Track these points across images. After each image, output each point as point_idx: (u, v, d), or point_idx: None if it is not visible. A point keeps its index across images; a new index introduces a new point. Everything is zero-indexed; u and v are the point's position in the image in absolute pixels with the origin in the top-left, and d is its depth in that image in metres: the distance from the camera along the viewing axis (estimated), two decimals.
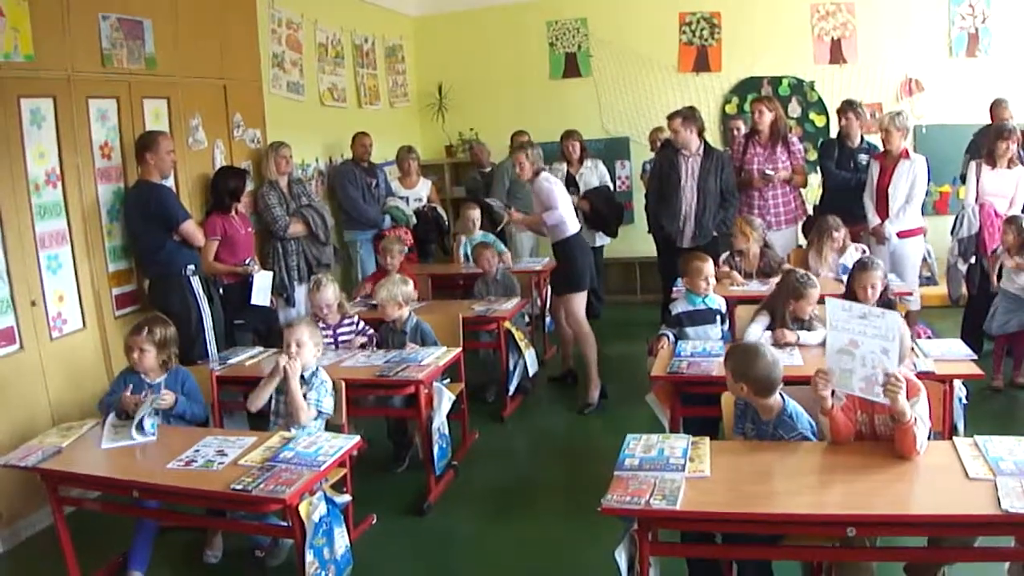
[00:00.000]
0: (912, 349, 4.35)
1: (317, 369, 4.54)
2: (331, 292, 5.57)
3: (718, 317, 5.31)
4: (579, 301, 6.53)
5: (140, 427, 4.03)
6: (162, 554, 4.36)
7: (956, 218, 7.00)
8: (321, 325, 5.39)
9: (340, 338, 5.56)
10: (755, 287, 6.09)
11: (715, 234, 7.05)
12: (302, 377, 4.43)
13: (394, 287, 5.55)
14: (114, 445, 4.01)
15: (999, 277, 6.33)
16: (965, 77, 9.10)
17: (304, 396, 4.38)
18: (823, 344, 4.66)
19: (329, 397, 4.48)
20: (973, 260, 6.80)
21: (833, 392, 3.40)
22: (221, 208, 6.30)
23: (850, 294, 5.05)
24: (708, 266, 5.34)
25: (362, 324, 5.67)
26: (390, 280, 5.63)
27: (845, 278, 5.57)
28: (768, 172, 7.26)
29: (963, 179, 7.63)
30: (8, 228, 4.84)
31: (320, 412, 4.41)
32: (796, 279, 4.99)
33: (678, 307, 5.34)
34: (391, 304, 5.52)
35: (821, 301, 5.17)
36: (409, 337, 5.53)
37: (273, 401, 4.53)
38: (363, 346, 5.51)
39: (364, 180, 8.17)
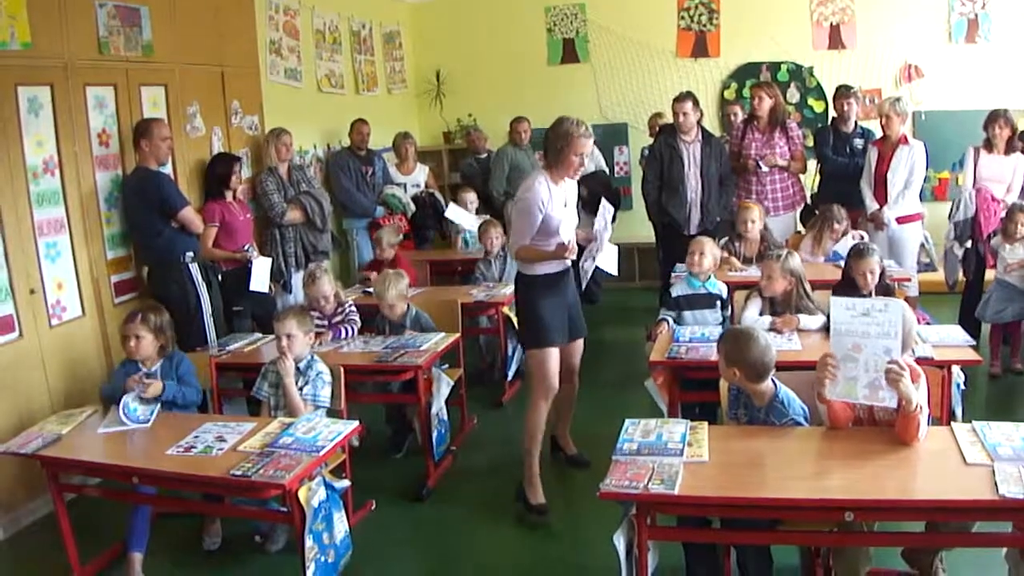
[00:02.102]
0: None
1: (312, 359, 4.56)
2: (327, 283, 5.54)
3: (718, 302, 5.32)
4: None
5: (127, 412, 4.06)
6: (161, 541, 4.36)
7: (953, 202, 7.00)
8: (316, 315, 5.41)
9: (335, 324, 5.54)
10: (754, 272, 6.07)
11: (718, 219, 7.07)
12: (297, 368, 4.45)
13: (399, 284, 5.54)
14: (109, 430, 4.04)
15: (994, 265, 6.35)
16: (965, 63, 9.08)
17: (300, 388, 4.40)
18: (824, 329, 4.72)
19: (327, 387, 4.49)
20: (969, 244, 6.79)
21: None
22: (215, 194, 6.31)
23: (847, 281, 5.06)
24: (710, 245, 5.36)
25: (351, 309, 5.63)
26: (391, 278, 5.56)
27: (843, 264, 5.60)
28: (762, 168, 7.26)
29: None
30: (6, 216, 4.84)
31: (318, 406, 4.42)
32: (769, 254, 5.06)
33: (677, 290, 5.36)
34: (400, 301, 5.54)
35: (825, 287, 5.24)
36: (409, 327, 5.54)
37: (271, 396, 4.55)
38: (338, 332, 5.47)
39: (359, 169, 8.17)
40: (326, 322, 5.48)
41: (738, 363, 3.55)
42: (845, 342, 3.30)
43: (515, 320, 5.82)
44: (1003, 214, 6.42)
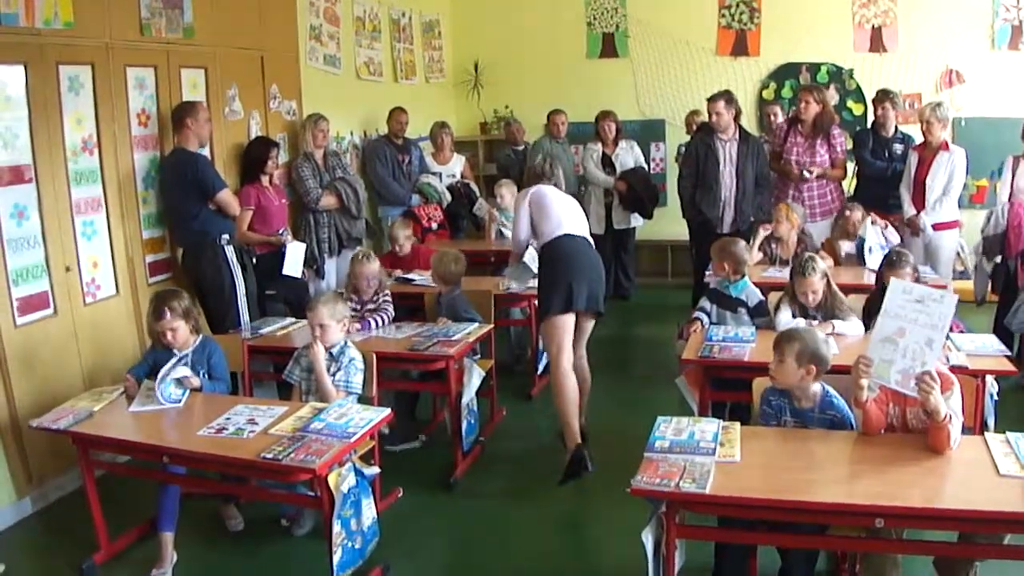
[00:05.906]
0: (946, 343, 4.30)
1: (346, 344, 4.54)
2: (377, 266, 5.61)
3: (741, 309, 5.26)
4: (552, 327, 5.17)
5: (162, 392, 4.07)
6: (187, 521, 4.36)
7: (986, 216, 6.87)
8: (353, 297, 5.43)
9: (366, 313, 5.53)
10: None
11: (752, 220, 7.02)
12: (330, 354, 4.46)
13: (459, 264, 5.67)
14: (140, 409, 4.07)
15: None
16: (1007, 70, 8.96)
17: (333, 374, 4.40)
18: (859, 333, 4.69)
19: (359, 374, 4.48)
20: (999, 259, 6.66)
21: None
22: (251, 178, 6.34)
23: (881, 290, 5.01)
24: (735, 249, 5.29)
25: (386, 298, 5.62)
26: (453, 256, 5.70)
27: (869, 258, 5.61)
28: (806, 173, 7.19)
29: None
30: (44, 193, 4.88)
31: (349, 392, 4.41)
32: (802, 259, 4.98)
33: (713, 282, 5.35)
34: (452, 279, 5.63)
35: (856, 291, 5.19)
36: (457, 308, 5.60)
37: (302, 381, 4.55)
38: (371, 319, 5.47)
39: (395, 157, 8.19)
40: (359, 306, 5.49)
41: (815, 359, 3.53)
42: (891, 324, 3.32)
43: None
44: None
